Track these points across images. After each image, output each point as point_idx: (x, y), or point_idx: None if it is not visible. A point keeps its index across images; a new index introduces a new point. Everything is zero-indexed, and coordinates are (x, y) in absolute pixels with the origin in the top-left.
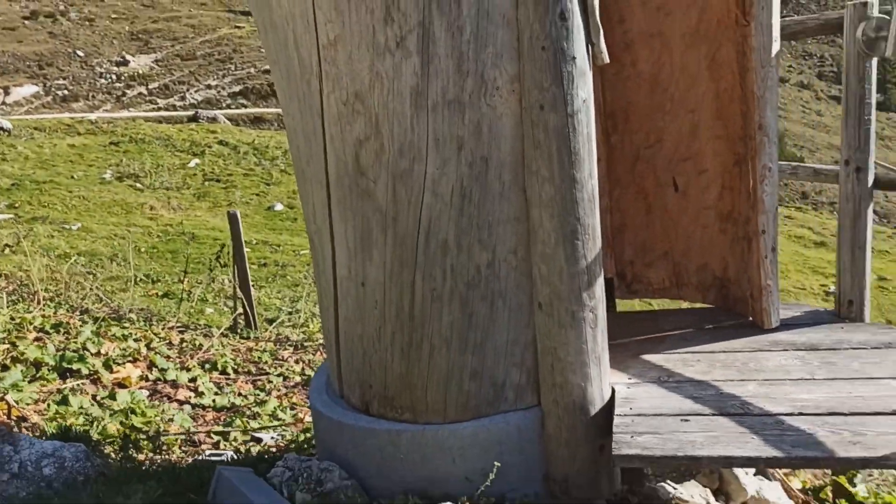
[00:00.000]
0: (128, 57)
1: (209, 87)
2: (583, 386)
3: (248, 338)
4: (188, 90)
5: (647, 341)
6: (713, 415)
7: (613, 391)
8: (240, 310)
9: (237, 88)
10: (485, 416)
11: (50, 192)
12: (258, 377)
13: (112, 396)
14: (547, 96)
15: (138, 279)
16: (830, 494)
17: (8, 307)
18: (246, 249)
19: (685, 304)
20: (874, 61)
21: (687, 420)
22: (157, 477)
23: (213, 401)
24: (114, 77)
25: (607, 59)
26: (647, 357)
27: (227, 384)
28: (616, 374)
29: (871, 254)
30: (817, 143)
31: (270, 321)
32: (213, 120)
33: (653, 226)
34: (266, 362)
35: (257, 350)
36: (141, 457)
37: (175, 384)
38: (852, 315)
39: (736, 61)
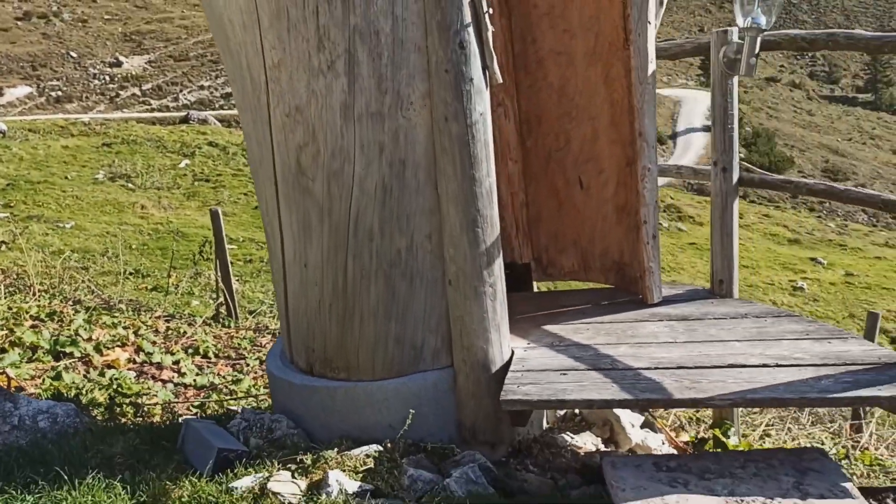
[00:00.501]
0: (121, 58)
1: (202, 87)
2: (485, 348)
3: (228, 326)
4: (181, 91)
5: (551, 315)
6: (586, 370)
7: (513, 353)
8: (222, 300)
9: (230, 89)
10: (406, 375)
11: (44, 192)
12: (237, 361)
13: (101, 374)
14: (450, 110)
15: (129, 274)
16: (712, 444)
17: (5, 298)
18: (233, 246)
19: (592, 285)
20: (735, 79)
21: (565, 374)
22: (136, 431)
23: (194, 380)
24: (107, 78)
25: (500, 80)
26: (546, 327)
27: (208, 367)
28: (518, 340)
29: (845, 250)
30: (808, 142)
31: (252, 312)
32: (204, 122)
33: (563, 218)
34: (245, 348)
35: (237, 337)
36: (124, 419)
37: (160, 366)
38: (723, 292)
39: (624, 77)
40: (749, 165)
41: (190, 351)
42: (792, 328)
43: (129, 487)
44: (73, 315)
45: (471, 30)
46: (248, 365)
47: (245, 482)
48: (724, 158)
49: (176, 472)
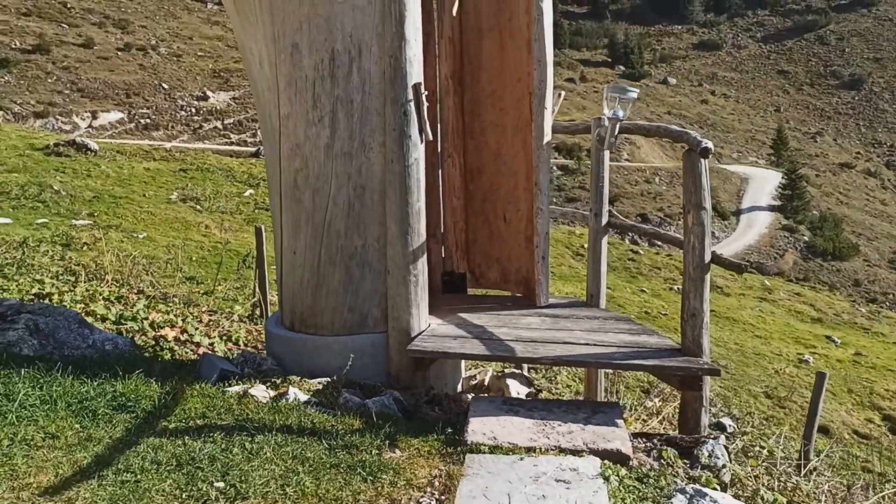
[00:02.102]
0: (208, 93)
1: None
2: (408, 320)
3: (258, 324)
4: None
5: (468, 308)
6: (470, 338)
7: (429, 326)
8: (257, 301)
9: None
10: (355, 334)
11: (124, 206)
12: (262, 351)
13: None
14: (395, 155)
15: (186, 279)
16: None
17: (85, 283)
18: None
19: (508, 293)
20: (606, 152)
21: (455, 339)
22: (171, 361)
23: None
24: (193, 110)
25: (430, 138)
26: (460, 314)
27: (238, 349)
28: (436, 319)
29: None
30: (877, 231)
31: None
32: None
33: (492, 242)
34: None
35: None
36: (164, 357)
37: (198, 344)
38: (593, 303)
39: (532, 145)
40: (615, 213)
41: (224, 337)
42: (621, 327)
43: (160, 384)
44: (136, 300)
45: (412, 105)
46: None
47: (234, 389)
48: (597, 207)
49: (191, 381)
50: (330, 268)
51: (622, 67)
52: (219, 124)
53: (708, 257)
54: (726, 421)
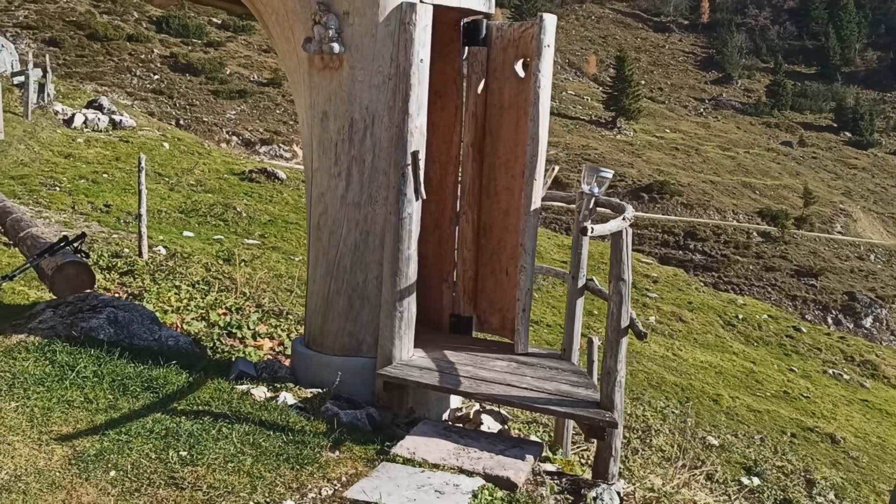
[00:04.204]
0: None
1: None
2: (391, 349)
3: None
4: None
5: (458, 347)
6: (434, 370)
7: (412, 356)
8: None
9: None
10: (352, 356)
11: (292, 231)
12: None
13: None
14: (393, 209)
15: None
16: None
17: (217, 292)
18: None
19: (507, 340)
20: (588, 220)
21: (421, 370)
22: (216, 361)
23: None
24: None
25: (424, 197)
26: (445, 351)
27: None
28: (420, 351)
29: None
30: None
31: None
32: None
33: (496, 292)
34: None
35: None
36: (218, 357)
37: (287, 356)
38: (566, 356)
39: (521, 210)
40: (592, 277)
41: None
42: (571, 379)
43: (189, 374)
44: (252, 312)
45: (409, 168)
46: None
47: (242, 387)
48: (574, 271)
49: (214, 376)
50: (336, 297)
51: (848, 134)
52: None
53: (625, 323)
54: None
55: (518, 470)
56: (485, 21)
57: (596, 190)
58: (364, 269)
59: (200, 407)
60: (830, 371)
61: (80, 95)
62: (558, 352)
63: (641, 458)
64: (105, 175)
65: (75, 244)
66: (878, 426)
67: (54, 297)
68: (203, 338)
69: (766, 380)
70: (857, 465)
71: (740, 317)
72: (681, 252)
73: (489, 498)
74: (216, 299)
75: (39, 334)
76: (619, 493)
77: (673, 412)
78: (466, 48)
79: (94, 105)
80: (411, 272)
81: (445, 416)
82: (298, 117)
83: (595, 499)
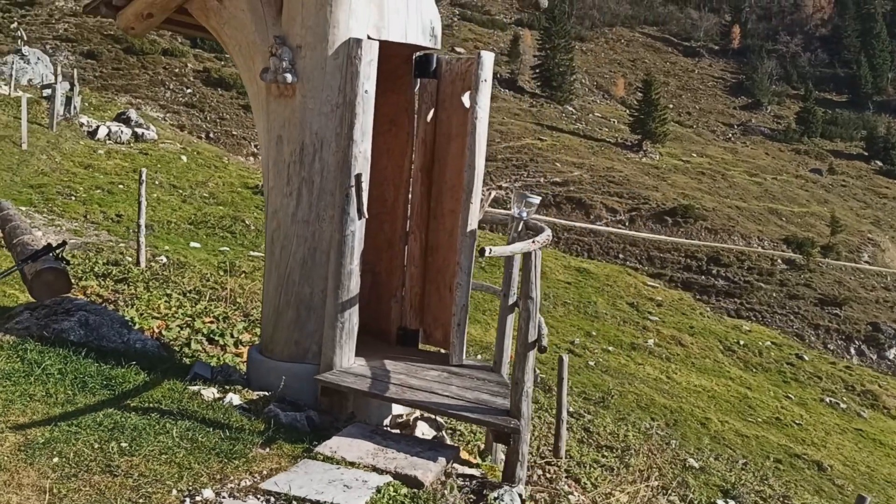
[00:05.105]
0: None
1: (500, 187)
2: (332, 357)
3: None
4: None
5: (398, 357)
6: (368, 377)
7: (352, 364)
8: None
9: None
10: (298, 363)
11: None
12: None
13: (222, 357)
14: (338, 227)
15: None
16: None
17: (208, 301)
18: None
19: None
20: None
21: (355, 376)
22: (178, 363)
23: None
24: None
25: (366, 216)
26: (385, 360)
27: None
28: (361, 360)
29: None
30: None
31: None
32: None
33: (440, 308)
34: None
35: None
36: (184, 360)
37: None
38: (496, 368)
39: (458, 231)
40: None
41: None
42: (492, 389)
43: (148, 374)
44: (238, 321)
45: (353, 190)
46: None
47: (193, 388)
48: (505, 289)
49: (172, 377)
50: (286, 308)
51: (879, 163)
52: None
53: (532, 338)
54: None
55: (427, 470)
56: (435, 55)
57: (524, 214)
58: (311, 282)
59: (151, 404)
60: (828, 399)
61: (112, 107)
62: (490, 364)
63: (612, 475)
64: (121, 186)
65: (57, 251)
66: (870, 455)
67: (32, 301)
68: (181, 343)
69: (759, 406)
70: (841, 492)
71: (742, 343)
72: (703, 277)
73: (392, 494)
74: (205, 308)
75: (15, 334)
76: (520, 496)
77: (657, 433)
78: (419, 80)
79: (121, 118)
80: (353, 286)
81: (387, 422)
82: (259, 140)
83: (496, 499)
